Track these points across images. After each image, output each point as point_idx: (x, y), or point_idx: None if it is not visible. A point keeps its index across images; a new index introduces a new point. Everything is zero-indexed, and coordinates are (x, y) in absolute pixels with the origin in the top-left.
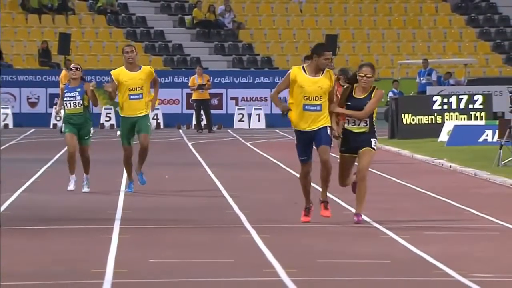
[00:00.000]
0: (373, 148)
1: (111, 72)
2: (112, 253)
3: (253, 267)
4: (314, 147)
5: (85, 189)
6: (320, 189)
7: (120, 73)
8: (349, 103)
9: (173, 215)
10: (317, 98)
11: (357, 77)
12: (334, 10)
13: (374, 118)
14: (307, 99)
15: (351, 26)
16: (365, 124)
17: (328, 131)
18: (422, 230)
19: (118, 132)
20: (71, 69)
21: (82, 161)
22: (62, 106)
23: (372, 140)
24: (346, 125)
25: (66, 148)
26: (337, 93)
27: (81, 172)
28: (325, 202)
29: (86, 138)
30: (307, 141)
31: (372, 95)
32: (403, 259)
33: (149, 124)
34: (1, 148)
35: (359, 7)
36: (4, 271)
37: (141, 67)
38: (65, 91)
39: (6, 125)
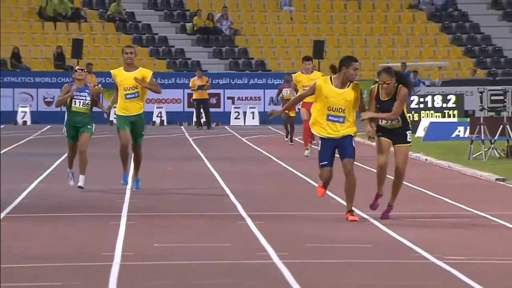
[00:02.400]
0: (408, 142)
1: (111, 71)
2: (120, 238)
3: (248, 250)
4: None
5: (71, 183)
6: (345, 203)
7: (118, 73)
8: (378, 106)
9: (176, 204)
10: (340, 110)
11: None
12: (321, 18)
13: (405, 112)
14: (331, 109)
15: (336, 33)
16: (397, 121)
17: (353, 142)
18: (401, 217)
19: (114, 121)
20: (77, 71)
21: (80, 159)
22: (64, 103)
23: (407, 133)
24: (380, 123)
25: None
26: None
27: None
28: (350, 211)
29: (87, 131)
30: (330, 147)
31: (398, 95)
32: (384, 243)
33: (143, 125)
34: (20, 143)
35: (344, 15)
36: (22, 254)
37: (138, 67)
38: (77, 89)
39: (24, 122)
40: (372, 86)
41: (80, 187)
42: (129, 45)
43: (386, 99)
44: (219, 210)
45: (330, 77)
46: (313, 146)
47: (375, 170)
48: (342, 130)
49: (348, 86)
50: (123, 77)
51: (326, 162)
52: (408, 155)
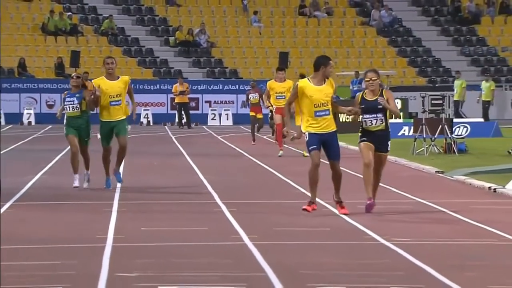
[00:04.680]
0: (388, 151)
1: (93, 81)
2: (112, 223)
3: (223, 234)
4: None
5: (85, 185)
6: (308, 193)
7: (101, 82)
8: (363, 106)
9: (160, 194)
10: (325, 104)
11: (364, 82)
12: (286, 33)
13: (387, 117)
14: (316, 106)
15: (299, 46)
16: (381, 122)
17: (337, 139)
18: (355, 204)
19: (98, 136)
20: (73, 77)
21: (84, 159)
22: (63, 111)
23: (388, 143)
24: (364, 126)
25: (69, 147)
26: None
27: (81, 168)
28: (339, 202)
29: (86, 139)
30: (318, 138)
31: (385, 97)
32: (341, 227)
33: (126, 127)
34: (26, 140)
35: (306, 30)
36: (27, 236)
37: (119, 77)
38: (66, 97)
39: (29, 122)
40: (357, 94)
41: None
42: (109, 56)
43: (372, 99)
44: (198, 199)
45: (308, 78)
46: (285, 145)
47: (361, 173)
48: (329, 125)
49: (324, 83)
50: (108, 86)
51: (315, 146)
52: (386, 161)
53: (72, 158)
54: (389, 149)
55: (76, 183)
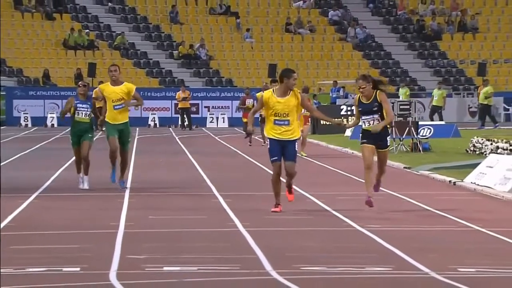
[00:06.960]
0: (387, 147)
1: (99, 86)
2: (124, 211)
3: (220, 221)
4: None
5: (85, 187)
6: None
7: (105, 88)
8: (360, 108)
9: (165, 186)
10: (285, 115)
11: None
12: (274, 47)
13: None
14: (276, 115)
15: (286, 58)
16: (377, 123)
17: (296, 146)
18: (335, 196)
19: (104, 128)
20: (80, 86)
21: (84, 163)
22: (66, 114)
23: (388, 139)
24: (364, 126)
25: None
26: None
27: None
28: (289, 187)
29: (89, 142)
30: (278, 146)
31: (379, 99)
32: (321, 215)
33: (129, 132)
34: (49, 140)
35: (291, 45)
36: (50, 224)
37: (123, 82)
38: (77, 103)
39: (52, 125)
40: (355, 96)
41: (85, 189)
42: (113, 64)
43: (367, 102)
44: (198, 191)
45: (273, 90)
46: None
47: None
48: (289, 134)
49: (288, 94)
50: (111, 91)
51: (276, 158)
52: (387, 157)
53: (77, 162)
54: (388, 144)
55: (81, 185)
